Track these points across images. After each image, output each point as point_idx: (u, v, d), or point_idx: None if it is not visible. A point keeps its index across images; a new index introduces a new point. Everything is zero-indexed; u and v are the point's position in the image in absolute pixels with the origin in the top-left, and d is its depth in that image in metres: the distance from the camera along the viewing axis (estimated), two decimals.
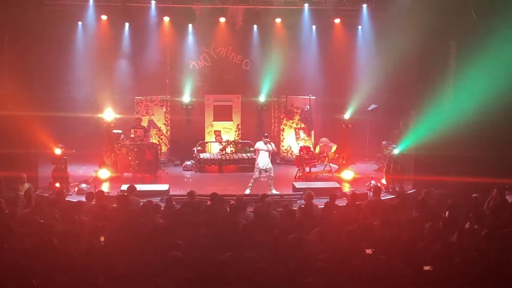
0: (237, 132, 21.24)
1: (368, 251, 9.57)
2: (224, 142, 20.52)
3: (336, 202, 13.69)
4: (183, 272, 8.82)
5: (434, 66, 17.15)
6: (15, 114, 15.69)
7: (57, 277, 8.53)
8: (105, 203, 12.86)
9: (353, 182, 18.32)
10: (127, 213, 12.19)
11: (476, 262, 9.33)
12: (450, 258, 9.38)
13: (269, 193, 16.13)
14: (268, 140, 17.10)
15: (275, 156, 21.50)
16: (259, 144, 17.01)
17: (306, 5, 20.80)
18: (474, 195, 12.85)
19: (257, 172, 16.90)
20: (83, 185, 16.73)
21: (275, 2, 20.82)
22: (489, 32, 15.44)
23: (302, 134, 21.07)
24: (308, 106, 20.65)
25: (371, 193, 14.88)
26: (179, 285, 8.46)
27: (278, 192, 16.56)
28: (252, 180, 16.86)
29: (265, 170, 16.82)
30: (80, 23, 20.39)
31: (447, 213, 12.08)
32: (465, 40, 16.31)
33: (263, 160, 16.83)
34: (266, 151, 16.89)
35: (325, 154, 19.51)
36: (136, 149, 18.58)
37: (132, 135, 18.97)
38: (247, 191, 16.48)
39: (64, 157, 16.82)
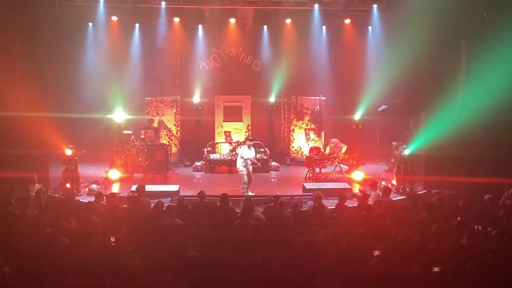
0: (247, 133, 21.21)
1: (376, 252, 9.52)
2: (234, 142, 20.51)
3: (346, 203, 13.63)
4: (194, 272, 8.82)
5: (445, 67, 17.11)
6: (26, 115, 15.75)
7: (69, 278, 8.55)
8: (116, 204, 12.90)
9: (363, 182, 18.25)
10: (138, 214, 12.20)
11: (486, 264, 9.27)
12: (461, 259, 9.34)
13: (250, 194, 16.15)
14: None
15: (284, 157, 21.57)
16: (247, 152, 16.83)
17: (316, 5, 20.71)
18: (487, 196, 12.72)
19: (245, 176, 16.72)
20: (94, 186, 16.76)
21: (285, 2, 20.81)
22: (500, 32, 15.35)
23: (312, 135, 21.04)
24: (318, 107, 20.62)
25: (381, 194, 14.80)
26: (190, 285, 8.46)
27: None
28: (245, 185, 16.69)
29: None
30: (90, 24, 20.43)
31: (458, 218, 11.94)
32: (477, 40, 16.22)
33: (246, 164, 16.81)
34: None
35: (335, 154, 19.46)
36: (146, 150, 18.64)
37: (143, 136, 19.03)
38: (251, 194, 16.29)
39: (75, 158, 16.89)
